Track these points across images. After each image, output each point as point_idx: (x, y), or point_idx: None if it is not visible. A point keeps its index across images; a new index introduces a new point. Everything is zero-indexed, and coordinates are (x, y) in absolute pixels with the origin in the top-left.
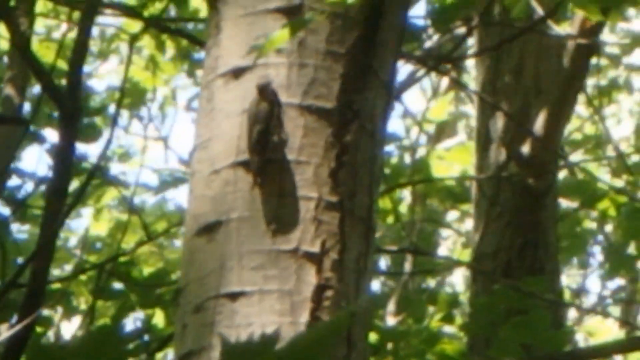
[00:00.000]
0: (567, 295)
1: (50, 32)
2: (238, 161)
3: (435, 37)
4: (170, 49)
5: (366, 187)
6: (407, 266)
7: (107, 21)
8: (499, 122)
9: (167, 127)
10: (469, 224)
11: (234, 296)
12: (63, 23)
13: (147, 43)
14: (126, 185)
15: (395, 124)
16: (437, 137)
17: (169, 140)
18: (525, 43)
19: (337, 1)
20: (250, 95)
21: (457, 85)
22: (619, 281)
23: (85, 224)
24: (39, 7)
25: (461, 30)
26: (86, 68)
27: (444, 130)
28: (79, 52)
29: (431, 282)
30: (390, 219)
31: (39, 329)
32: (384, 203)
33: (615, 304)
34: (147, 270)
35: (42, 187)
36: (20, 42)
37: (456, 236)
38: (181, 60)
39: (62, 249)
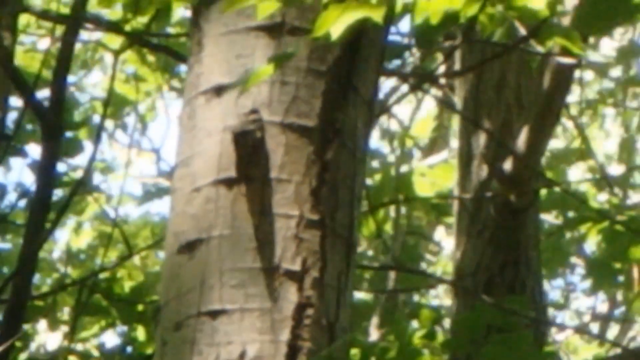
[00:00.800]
0: (550, 311)
1: (34, 43)
2: (219, 179)
3: (418, 55)
4: (153, 63)
5: (347, 205)
6: (390, 281)
7: (90, 36)
8: (480, 138)
9: (157, 138)
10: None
11: (214, 314)
12: (47, 36)
13: (129, 57)
14: (109, 197)
15: (379, 139)
16: (428, 152)
17: (160, 151)
18: (507, 59)
19: (320, 36)
20: (231, 113)
21: (440, 102)
22: (601, 296)
23: (68, 235)
24: (22, 21)
25: (444, 48)
26: (69, 79)
27: (435, 143)
28: (62, 67)
29: (415, 296)
30: (371, 233)
31: (19, 344)
32: (368, 225)
33: (595, 321)
34: (129, 284)
35: (24, 202)
36: (3, 56)
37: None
38: (163, 73)
39: (45, 261)
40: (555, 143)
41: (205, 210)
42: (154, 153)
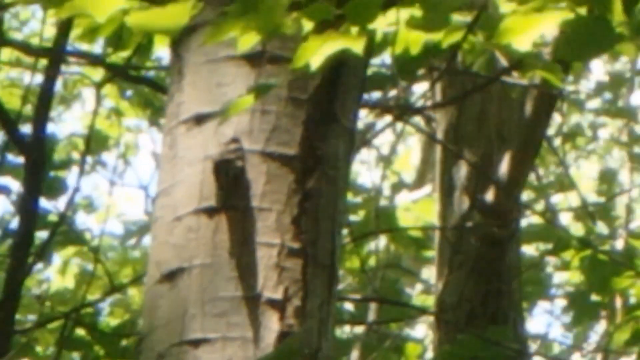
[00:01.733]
0: (531, 343)
1: (14, 79)
2: (200, 208)
3: (400, 86)
4: (133, 97)
5: (329, 234)
6: (371, 314)
7: (71, 69)
8: (462, 170)
9: (140, 174)
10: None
11: (196, 343)
12: (27, 71)
13: (109, 92)
14: (91, 236)
15: (361, 171)
16: (418, 184)
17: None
18: (488, 90)
19: (300, 67)
20: (212, 142)
21: (421, 133)
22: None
23: (52, 271)
24: (4, 55)
25: (425, 80)
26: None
27: (424, 176)
28: (44, 101)
29: (395, 330)
30: (354, 266)
31: None
32: (351, 259)
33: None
34: (113, 321)
35: (6, 237)
36: None
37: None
38: (143, 108)
39: (26, 297)
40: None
41: (186, 239)
42: (141, 190)
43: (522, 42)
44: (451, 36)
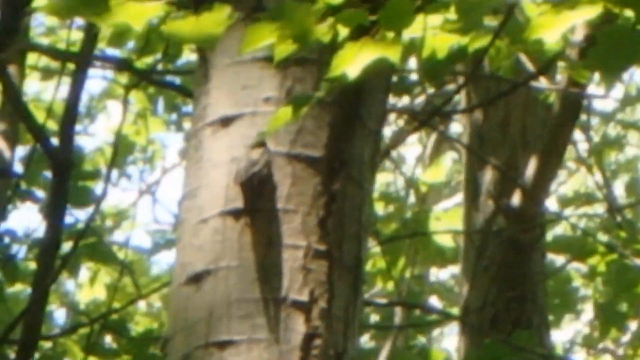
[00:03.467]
0: (559, 350)
1: (40, 93)
2: (226, 210)
3: (426, 92)
4: (160, 103)
5: (354, 236)
6: (397, 321)
7: (98, 74)
8: (486, 175)
9: (157, 181)
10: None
11: (222, 345)
12: (53, 83)
13: (136, 97)
14: (118, 246)
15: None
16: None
17: (157, 194)
18: (512, 95)
19: (337, 76)
20: (238, 144)
21: (446, 138)
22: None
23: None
24: (31, 60)
25: (451, 84)
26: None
27: (449, 185)
28: (71, 106)
29: (422, 339)
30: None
31: None
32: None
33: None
34: (140, 329)
35: (32, 245)
36: (12, 94)
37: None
38: (169, 113)
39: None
40: (563, 188)
41: (212, 241)
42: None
43: (551, 36)
44: (478, 41)
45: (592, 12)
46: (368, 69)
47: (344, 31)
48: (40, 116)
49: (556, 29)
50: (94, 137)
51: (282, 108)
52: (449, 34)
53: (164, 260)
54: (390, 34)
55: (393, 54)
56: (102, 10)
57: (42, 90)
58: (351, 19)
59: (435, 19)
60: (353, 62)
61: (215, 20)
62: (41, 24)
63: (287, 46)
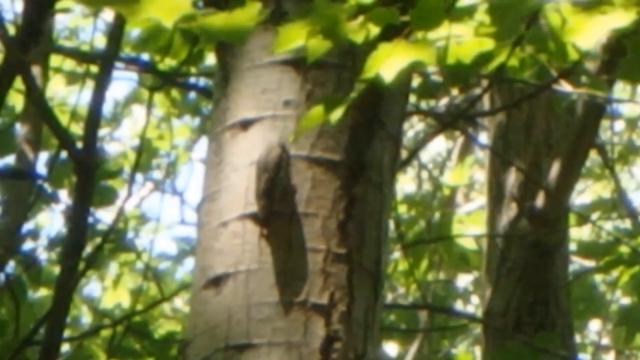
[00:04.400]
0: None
1: (65, 98)
2: (246, 213)
3: (450, 94)
4: (183, 106)
5: (374, 240)
6: (422, 325)
7: (122, 76)
8: (510, 177)
9: (182, 183)
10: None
11: (242, 348)
12: (77, 87)
13: (160, 101)
14: (142, 250)
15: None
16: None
17: (185, 196)
18: (535, 98)
19: (371, 78)
20: (258, 148)
21: (470, 140)
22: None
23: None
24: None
25: (474, 87)
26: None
27: (472, 187)
28: (95, 108)
29: (446, 343)
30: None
31: None
32: (402, 264)
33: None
34: (163, 331)
35: (55, 247)
36: (36, 97)
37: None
38: (193, 116)
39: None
40: (587, 196)
41: (232, 244)
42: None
43: (585, 41)
44: (501, 50)
45: (626, 18)
46: (403, 71)
47: (374, 30)
48: (64, 119)
49: (590, 34)
50: (119, 142)
51: (313, 109)
52: (477, 39)
53: (189, 265)
54: (421, 34)
55: (427, 57)
56: (132, 3)
57: (67, 95)
58: (382, 18)
59: (462, 28)
60: (387, 64)
61: (246, 16)
62: (64, 26)
63: (318, 43)
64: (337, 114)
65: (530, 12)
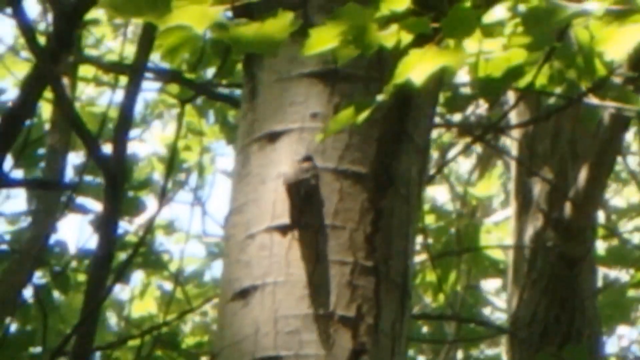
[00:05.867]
0: None
1: (94, 99)
2: (273, 226)
3: (478, 106)
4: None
5: (401, 252)
6: (449, 335)
7: (153, 86)
8: (536, 188)
9: (207, 194)
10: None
11: None
12: (107, 89)
13: (188, 111)
14: (170, 258)
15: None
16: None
17: (207, 207)
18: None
19: (401, 83)
20: (285, 160)
21: (496, 151)
22: None
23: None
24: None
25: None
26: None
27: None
28: (124, 119)
29: (474, 352)
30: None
31: None
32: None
33: None
34: (192, 342)
35: (83, 257)
36: (66, 106)
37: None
38: (221, 127)
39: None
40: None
41: (259, 257)
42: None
43: (616, 52)
44: (530, 67)
45: None
46: (432, 76)
47: (406, 38)
48: (92, 123)
49: (621, 45)
50: (146, 144)
51: (343, 111)
52: (506, 54)
53: (216, 268)
54: (452, 42)
55: (457, 62)
56: (163, 11)
57: (95, 97)
58: (415, 26)
59: (492, 43)
60: (417, 68)
61: (278, 26)
62: (91, 35)
63: (349, 51)
64: (364, 115)
65: (563, 23)
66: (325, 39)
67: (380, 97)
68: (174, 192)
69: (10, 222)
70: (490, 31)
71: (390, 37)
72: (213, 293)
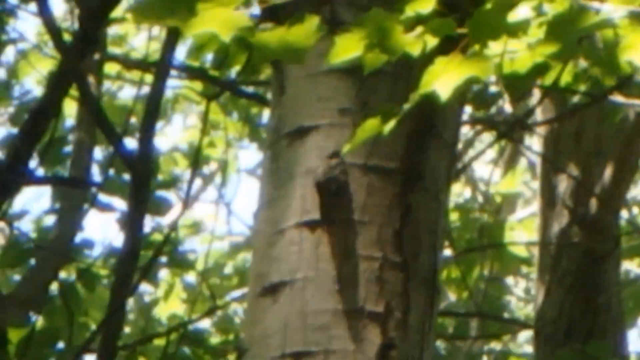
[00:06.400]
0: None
1: (113, 93)
2: (302, 221)
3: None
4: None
5: (430, 248)
6: (472, 330)
7: (177, 84)
8: (561, 184)
9: (230, 192)
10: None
11: (298, 356)
12: (131, 86)
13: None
14: (195, 256)
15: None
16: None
17: (232, 206)
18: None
19: (427, 93)
20: (314, 155)
21: (522, 148)
22: None
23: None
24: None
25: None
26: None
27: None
28: (150, 115)
29: (497, 346)
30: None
31: None
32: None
33: None
34: (216, 340)
35: (109, 256)
36: (91, 104)
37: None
38: (244, 124)
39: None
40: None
41: (288, 252)
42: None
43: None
44: (555, 64)
45: None
46: (459, 88)
47: (431, 41)
48: (115, 117)
49: None
50: (167, 137)
51: (368, 120)
52: (531, 52)
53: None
54: (478, 46)
55: (484, 72)
56: (188, 17)
57: (116, 90)
58: (440, 29)
59: (516, 43)
60: (443, 80)
61: (304, 32)
62: (113, 32)
63: (375, 56)
64: (389, 125)
65: (589, 31)
66: (350, 46)
67: (406, 106)
68: (199, 190)
69: (35, 221)
70: (515, 30)
71: (415, 42)
72: (234, 283)
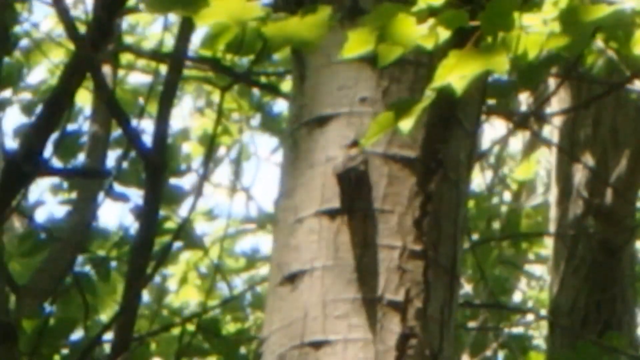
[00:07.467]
0: None
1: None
2: (322, 210)
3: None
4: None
5: (450, 237)
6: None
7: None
8: (577, 174)
9: (248, 178)
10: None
11: (318, 345)
12: (144, 76)
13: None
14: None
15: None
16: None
17: (251, 191)
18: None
19: (441, 87)
20: (334, 144)
21: (538, 138)
22: None
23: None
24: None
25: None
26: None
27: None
28: (164, 106)
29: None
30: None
31: None
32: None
33: None
34: (234, 328)
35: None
36: (106, 95)
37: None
38: (256, 112)
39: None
40: None
41: (308, 241)
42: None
43: None
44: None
45: None
46: (474, 82)
47: (444, 33)
48: (127, 104)
49: None
50: (177, 120)
51: (383, 113)
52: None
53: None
54: (490, 37)
55: (498, 66)
56: (200, 6)
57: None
58: (452, 21)
59: (531, 18)
60: (457, 73)
61: (317, 22)
62: (127, 23)
63: (389, 49)
64: (407, 123)
65: (601, 23)
66: (363, 41)
67: (422, 104)
68: (211, 172)
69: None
70: (529, 9)
71: (428, 34)
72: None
